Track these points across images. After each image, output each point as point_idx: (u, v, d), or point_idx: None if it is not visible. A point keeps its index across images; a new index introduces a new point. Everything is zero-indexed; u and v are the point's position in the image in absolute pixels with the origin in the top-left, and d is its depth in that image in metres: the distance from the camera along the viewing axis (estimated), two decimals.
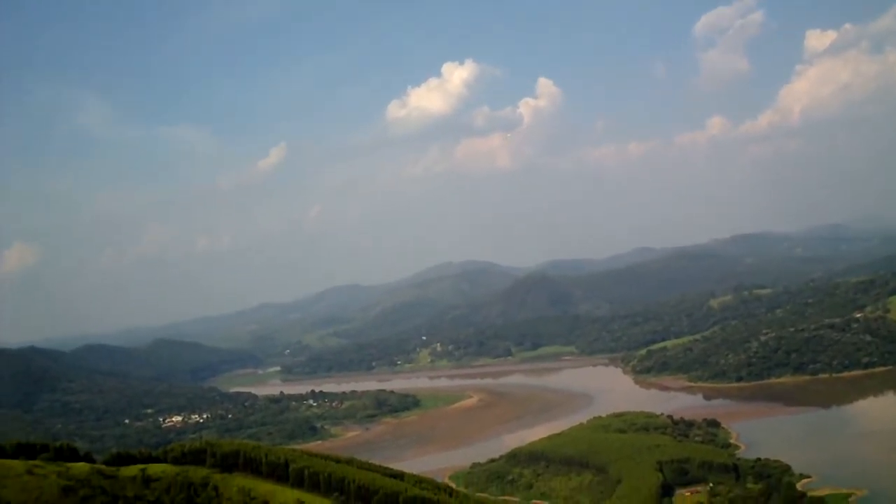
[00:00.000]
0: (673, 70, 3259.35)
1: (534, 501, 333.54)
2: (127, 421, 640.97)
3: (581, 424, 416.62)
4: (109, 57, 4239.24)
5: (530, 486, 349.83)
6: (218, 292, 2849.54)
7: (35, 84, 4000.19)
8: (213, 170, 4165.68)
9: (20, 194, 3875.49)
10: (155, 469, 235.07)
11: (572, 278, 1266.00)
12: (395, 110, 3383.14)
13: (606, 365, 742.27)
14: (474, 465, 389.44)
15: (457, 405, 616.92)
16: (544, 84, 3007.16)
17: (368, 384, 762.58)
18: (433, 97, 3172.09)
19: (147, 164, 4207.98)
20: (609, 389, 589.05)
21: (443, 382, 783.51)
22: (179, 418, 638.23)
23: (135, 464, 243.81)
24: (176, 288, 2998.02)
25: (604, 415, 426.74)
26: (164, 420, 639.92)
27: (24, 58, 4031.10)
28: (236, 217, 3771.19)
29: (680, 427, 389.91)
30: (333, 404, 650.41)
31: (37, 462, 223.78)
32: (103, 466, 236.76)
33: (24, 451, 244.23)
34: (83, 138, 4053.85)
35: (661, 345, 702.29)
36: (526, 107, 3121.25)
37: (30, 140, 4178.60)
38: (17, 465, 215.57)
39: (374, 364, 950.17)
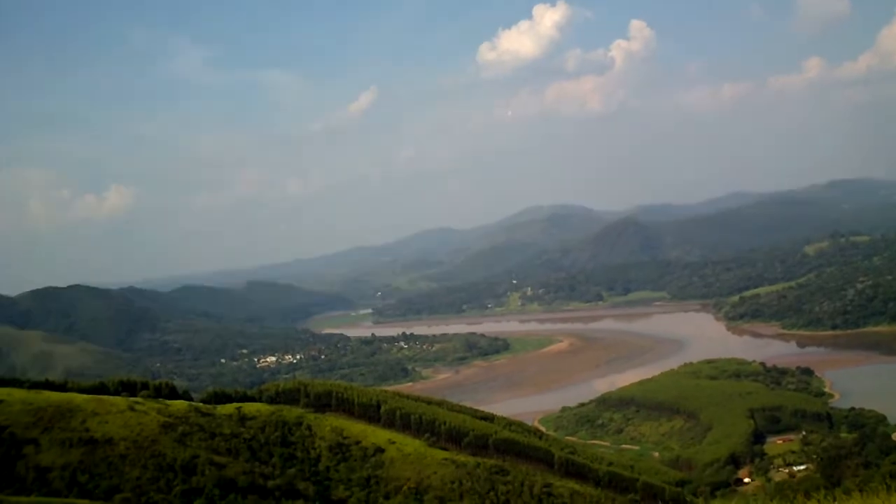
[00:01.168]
0: (769, 11, 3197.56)
1: (623, 446, 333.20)
2: (223, 361, 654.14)
3: (672, 370, 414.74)
4: (204, 2, 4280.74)
5: (620, 431, 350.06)
6: (310, 235, 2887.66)
7: (132, 30, 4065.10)
8: (304, 113, 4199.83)
9: (118, 138, 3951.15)
10: (250, 408, 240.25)
11: (664, 223, 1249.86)
12: (485, 53, 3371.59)
13: (698, 311, 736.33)
14: (564, 409, 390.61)
15: (547, 349, 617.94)
16: (637, 26, 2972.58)
17: (458, 327, 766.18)
18: (524, 39, 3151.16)
19: (240, 108, 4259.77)
20: (700, 336, 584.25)
21: (533, 326, 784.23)
22: (273, 359, 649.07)
23: (231, 402, 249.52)
24: (269, 230, 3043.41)
25: (695, 361, 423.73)
26: (258, 360, 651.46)
27: (121, 5, 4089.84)
28: (328, 160, 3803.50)
29: (772, 374, 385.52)
30: (424, 346, 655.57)
31: (137, 399, 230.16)
32: (201, 404, 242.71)
33: (126, 388, 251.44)
34: (179, 83, 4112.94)
35: (754, 291, 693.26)
36: (618, 49, 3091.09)
37: (127, 85, 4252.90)
38: (119, 401, 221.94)
39: (464, 307, 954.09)
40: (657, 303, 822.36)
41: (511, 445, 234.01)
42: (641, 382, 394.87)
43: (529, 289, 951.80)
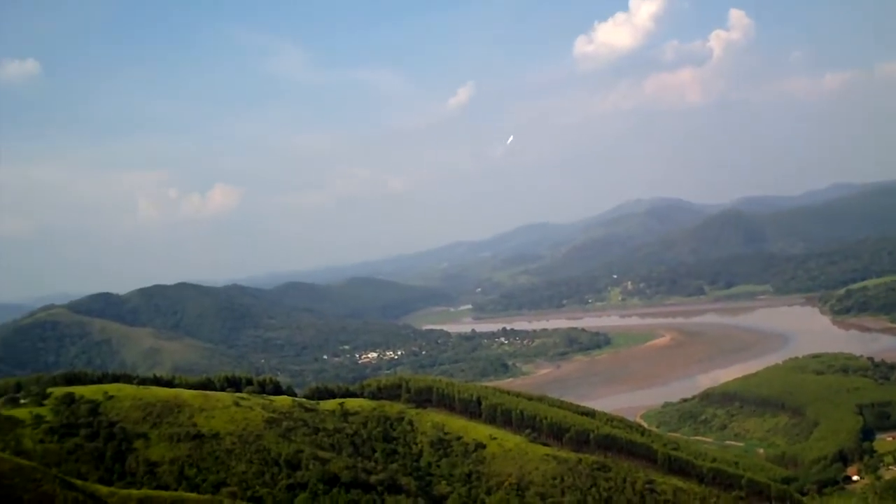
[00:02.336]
0: None
1: (727, 442, 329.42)
2: (325, 356, 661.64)
3: (776, 365, 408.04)
4: (305, 4, 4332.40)
5: (724, 427, 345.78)
6: (410, 231, 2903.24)
7: (234, 31, 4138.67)
8: (404, 110, 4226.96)
9: (222, 138, 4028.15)
10: (352, 403, 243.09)
11: (766, 215, 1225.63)
12: (582, 46, 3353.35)
13: (802, 304, 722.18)
14: (666, 405, 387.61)
15: (648, 344, 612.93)
16: (736, 15, 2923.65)
17: (559, 322, 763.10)
18: (621, 32, 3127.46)
19: (341, 106, 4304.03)
20: (805, 330, 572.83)
21: (634, 321, 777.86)
22: (375, 354, 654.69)
23: (333, 398, 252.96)
24: (370, 227, 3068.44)
25: (800, 356, 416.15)
26: (360, 356, 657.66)
27: (227, 9, 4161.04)
28: (427, 156, 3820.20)
29: (881, 369, 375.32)
30: (524, 342, 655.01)
31: (242, 395, 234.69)
32: (304, 400, 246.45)
33: (231, 384, 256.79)
34: (281, 83, 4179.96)
35: (861, 284, 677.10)
36: (717, 39, 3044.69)
37: (231, 86, 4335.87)
38: (225, 397, 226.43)
39: (564, 302, 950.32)
40: (760, 297, 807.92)
41: (613, 441, 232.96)
42: (745, 377, 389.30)
43: (630, 283, 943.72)
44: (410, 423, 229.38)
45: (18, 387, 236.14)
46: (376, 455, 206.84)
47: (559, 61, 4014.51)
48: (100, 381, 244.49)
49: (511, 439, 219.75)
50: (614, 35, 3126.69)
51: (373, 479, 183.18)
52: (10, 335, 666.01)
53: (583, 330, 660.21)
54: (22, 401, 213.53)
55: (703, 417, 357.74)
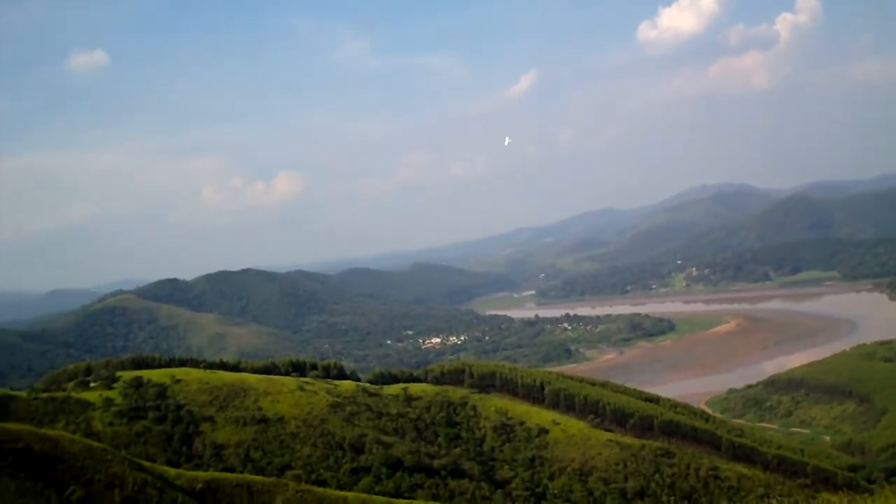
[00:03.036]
0: None
1: (793, 429, 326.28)
2: (388, 342, 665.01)
3: (843, 352, 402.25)
4: None
5: (789, 414, 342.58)
6: (473, 217, 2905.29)
7: (296, 19, 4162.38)
8: (465, 97, 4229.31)
9: (286, 126, 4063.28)
10: (416, 388, 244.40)
11: (834, 200, 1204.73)
12: (645, 31, 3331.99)
13: (870, 291, 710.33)
14: (731, 391, 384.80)
15: (713, 330, 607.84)
16: None
17: (622, 308, 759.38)
18: (685, 16, 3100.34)
19: (404, 93, 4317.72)
20: (873, 316, 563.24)
21: (698, 307, 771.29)
22: (438, 340, 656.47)
23: (397, 383, 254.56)
24: (433, 213, 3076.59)
25: (868, 342, 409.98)
26: (423, 341, 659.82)
27: None
28: (490, 143, 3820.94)
29: None
30: (588, 327, 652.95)
31: (307, 379, 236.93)
32: (368, 385, 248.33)
33: (296, 368, 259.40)
34: (343, 71, 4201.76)
35: None
36: (783, 23, 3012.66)
37: (292, 73, 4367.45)
38: (290, 381, 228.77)
39: (628, 288, 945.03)
40: (827, 283, 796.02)
41: (676, 427, 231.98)
42: (811, 364, 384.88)
43: (694, 269, 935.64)
44: (473, 407, 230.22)
45: (89, 371, 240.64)
46: (439, 440, 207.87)
47: (623, 47, 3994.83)
48: (167, 365, 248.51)
49: (574, 425, 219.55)
50: (679, 19, 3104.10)
51: (436, 463, 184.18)
52: (80, 320, 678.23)
53: (646, 316, 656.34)
54: (92, 384, 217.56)
55: (768, 404, 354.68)
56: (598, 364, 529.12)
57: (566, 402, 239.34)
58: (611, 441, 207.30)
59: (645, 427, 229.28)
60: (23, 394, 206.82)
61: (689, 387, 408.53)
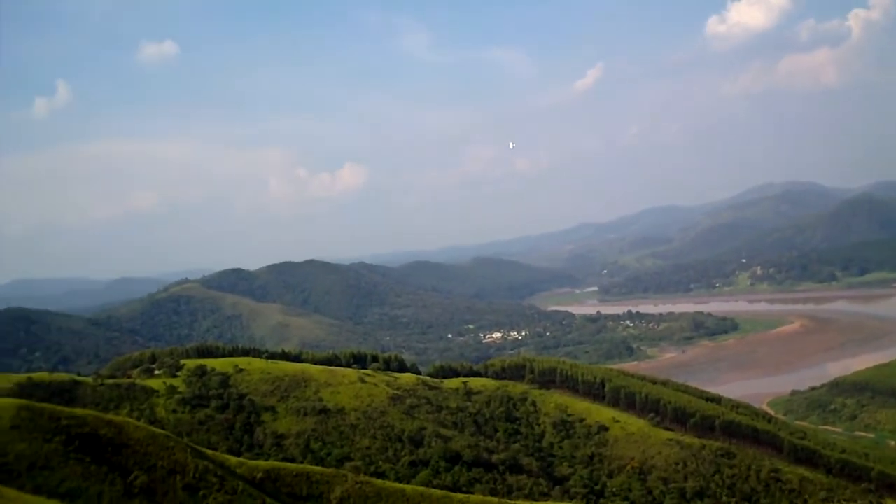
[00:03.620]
0: None
1: (857, 433, 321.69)
2: (450, 335, 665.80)
3: None
4: None
5: (854, 417, 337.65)
6: (536, 212, 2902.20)
7: (364, 12, 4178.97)
8: (530, 91, 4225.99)
9: (351, 118, 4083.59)
10: (476, 383, 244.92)
11: None
12: (714, 26, 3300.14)
13: None
14: (794, 393, 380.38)
15: (777, 330, 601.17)
16: None
17: (685, 306, 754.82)
18: (755, 11, 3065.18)
19: (468, 86, 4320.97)
20: None
21: (762, 306, 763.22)
22: (499, 335, 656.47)
23: (457, 377, 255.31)
24: (496, 207, 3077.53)
25: None
26: (484, 336, 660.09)
27: None
28: (554, 137, 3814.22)
29: None
30: (650, 325, 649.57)
31: (368, 371, 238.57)
32: (428, 378, 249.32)
33: (357, 360, 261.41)
34: (407, 63, 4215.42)
35: None
36: (856, 19, 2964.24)
37: (360, 66, 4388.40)
38: (351, 373, 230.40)
39: (691, 286, 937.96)
40: (895, 284, 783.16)
41: (738, 428, 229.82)
42: (878, 367, 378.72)
43: (759, 268, 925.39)
44: (533, 403, 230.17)
45: (153, 358, 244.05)
46: (498, 434, 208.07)
47: (690, 43, 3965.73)
48: (230, 354, 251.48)
49: (634, 423, 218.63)
50: (748, 15, 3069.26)
51: (494, 458, 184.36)
52: (146, 308, 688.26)
53: (709, 314, 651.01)
54: (156, 372, 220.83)
55: (832, 407, 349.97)
56: (660, 362, 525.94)
57: (627, 399, 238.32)
58: (671, 440, 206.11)
59: (706, 427, 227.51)
60: (89, 380, 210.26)
61: (752, 387, 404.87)
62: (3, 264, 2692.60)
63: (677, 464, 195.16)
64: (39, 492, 66.99)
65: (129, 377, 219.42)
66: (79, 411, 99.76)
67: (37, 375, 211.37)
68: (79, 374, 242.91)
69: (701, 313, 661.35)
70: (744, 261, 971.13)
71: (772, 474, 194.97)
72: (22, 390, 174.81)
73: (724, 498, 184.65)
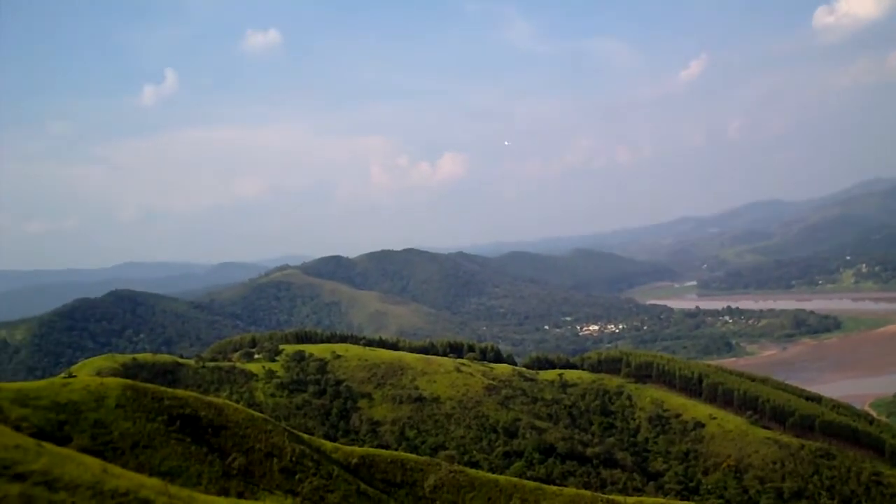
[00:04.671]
0: None
1: None
2: (546, 327, 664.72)
3: None
4: None
5: None
6: (637, 204, 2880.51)
7: (466, 3, 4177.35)
8: (633, 82, 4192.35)
9: (451, 107, 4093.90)
10: (571, 375, 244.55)
11: None
12: (822, 17, 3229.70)
13: None
14: None
15: (882, 329, 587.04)
16: None
17: (786, 303, 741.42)
18: (865, 1, 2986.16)
19: (569, 76, 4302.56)
20: None
21: (867, 305, 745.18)
22: (596, 327, 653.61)
23: (553, 369, 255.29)
24: (597, 199, 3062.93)
25: None
26: (581, 328, 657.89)
27: None
28: (656, 129, 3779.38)
29: None
30: (749, 321, 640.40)
31: (464, 361, 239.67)
32: (524, 369, 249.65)
33: (453, 349, 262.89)
34: (511, 51, 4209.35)
35: None
36: None
37: (460, 55, 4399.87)
38: (447, 362, 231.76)
39: (793, 283, 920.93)
40: None
41: (838, 429, 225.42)
42: None
43: (864, 266, 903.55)
44: (629, 397, 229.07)
45: (253, 342, 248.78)
46: (593, 428, 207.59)
47: (796, 33, 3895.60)
48: (328, 340, 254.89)
49: (731, 420, 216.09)
50: (858, 5, 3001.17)
51: (589, 451, 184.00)
52: (247, 293, 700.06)
53: (811, 312, 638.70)
54: (256, 356, 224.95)
55: None
56: (759, 359, 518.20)
57: (724, 396, 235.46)
58: (769, 439, 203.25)
59: (805, 426, 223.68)
60: (191, 362, 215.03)
61: (854, 387, 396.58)
62: (111, 248, 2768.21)
63: (774, 463, 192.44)
64: (142, 470, 68.70)
65: (230, 360, 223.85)
66: (180, 392, 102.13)
67: (141, 356, 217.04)
68: (181, 356, 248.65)
69: (802, 310, 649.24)
70: (848, 258, 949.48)
71: (873, 477, 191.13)
72: (127, 370, 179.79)
73: (823, 500, 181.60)
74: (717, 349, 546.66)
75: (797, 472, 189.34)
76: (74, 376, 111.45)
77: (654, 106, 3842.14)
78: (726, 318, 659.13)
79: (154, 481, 56.97)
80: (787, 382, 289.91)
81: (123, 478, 52.83)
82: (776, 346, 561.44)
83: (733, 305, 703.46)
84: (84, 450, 63.28)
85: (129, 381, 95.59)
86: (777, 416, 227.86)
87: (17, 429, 62.06)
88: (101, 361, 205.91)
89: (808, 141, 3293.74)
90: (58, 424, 76.80)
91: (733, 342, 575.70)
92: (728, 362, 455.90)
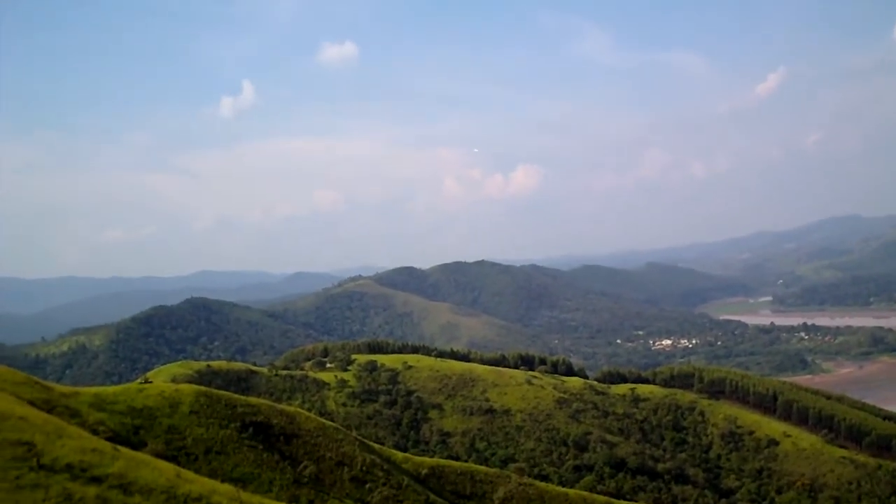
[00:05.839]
0: None
1: None
2: (619, 341, 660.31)
3: None
4: None
5: None
6: (711, 218, 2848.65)
7: (540, 13, 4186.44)
8: (708, 95, 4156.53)
9: (525, 119, 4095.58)
10: (643, 389, 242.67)
11: None
12: None
13: None
14: None
15: None
16: None
17: (864, 320, 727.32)
18: None
19: (645, 89, 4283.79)
20: None
21: None
22: (668, 342, 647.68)
23: (624, 383, 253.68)
24: (671, 213, 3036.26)
25: None
26: (653, 343, 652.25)
27: None
28: (732, 143, 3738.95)
29: None
30: (825, 338, 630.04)
31: (535, 373, 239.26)
32: (595, 383, 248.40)
33: (525, 362, 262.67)
34: (586, 64, 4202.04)
35: None
36: None
37: (533, 67, 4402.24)
38: (518, 374, 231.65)
39: (871, 299, 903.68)
40: None
41: None
42: None
43: None
44: (702, 413, 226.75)
45: (326, 352, 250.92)
46: (664, 443, 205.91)
47: (876, 45, 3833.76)
48: (400, 351, 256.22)
49: (806, 438, 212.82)
50: None
51: (660, 467, 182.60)
52: (320, 303, 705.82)
53: (890, 330, 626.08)
54: (328, 365, 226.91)
55: None
56: (835, 377, 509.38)
57: (799, 414, 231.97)
58: (844, 458, 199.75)
59: (882, 446, 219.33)
60: (264, 370, 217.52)
61: None
62: (188, 256, 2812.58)
63: (850, 483, 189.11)
64: (214, 475, 69.73)
65: (302, 369, 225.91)
66: (253, 400, 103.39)
67: (215, 364, 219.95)
68: (254, 364, 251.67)
69: (880, 328, 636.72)
70: None
71: None
72: (201, 377, 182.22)
73: None
74: (791, 366, 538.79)
75: (874, 493, 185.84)
76: (150, 382, 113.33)
77: (730, 119, 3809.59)
78: (802, 334, 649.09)
79: (226, 487, 57.84)
80: (863, 401, 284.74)
81: (196, 483, 53.73)
82: (853, 364, 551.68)
83: (809, 322, 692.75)
84: (158, 454, 64.46)
85: (203, 388, 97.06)
86: (853, 435, 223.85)
87: (95, 432, 63.40)
88: (176, 368, 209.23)
89: (887, 155, 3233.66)
90: (133, 429, 78.21)
91: (808, 359, 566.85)
92: (803, 379, 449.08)
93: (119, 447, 54.82)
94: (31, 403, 62.77)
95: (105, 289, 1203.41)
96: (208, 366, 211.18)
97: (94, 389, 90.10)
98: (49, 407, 67.04)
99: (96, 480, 45.43)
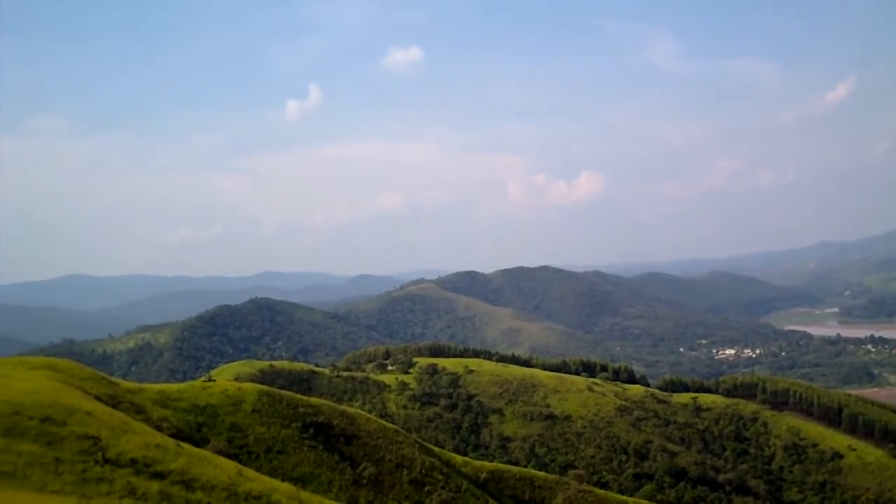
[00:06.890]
0: None
1: None
2: (681, 349, 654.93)
3: None
4: None
5: None
6: (777, 227, 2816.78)
7: (605, 20, 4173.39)
8: (777, 103, 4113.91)
9: (591, 126, 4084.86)
10: (706, 399, 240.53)
11: None
12: None
13: None
14: None
15: None
16: None
17: None
18: None
19: (712, 97, 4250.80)
20: None
21: None
22: (732, 351, 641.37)
23: (687, 392, 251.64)
24: (737, 221, 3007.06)
25: None
26: (716, 352, 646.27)
27: None
28: (800, 152, 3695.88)
29: None
30: (893, 351, 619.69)
31: (596, 380, 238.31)
32: (657, 391, 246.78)
33: (586, 368, 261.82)
34: (652, 71, 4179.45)
35: None
36: None
37: (601, 74, 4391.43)
38: (579, 381, 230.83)
39: None
40: None
41: None
42: None
43: None
44: (765, 424, 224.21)
45: (387, 354, 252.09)
46: (726, 453, 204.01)
47: None
48: (461, 355, 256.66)
49: (872, 452, 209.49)
50: None
51: (721, 477, 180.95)
52: (383, 305, 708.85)
53: None
54: (389, 367, 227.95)
55: None
56: None
57: (865, 427, 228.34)
58: None
59: None
60: (326, 371, 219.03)
61: None
62: (253, 257, 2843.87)
63: None
64: (275, 474, 70.36)
65: (364, 371, 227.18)
66: (315, 400, 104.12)
67: (278, 364, 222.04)
68: (317, 365, 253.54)
69: None
70: None
71: None
72: (264, 377, 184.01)
73: None
74: (857, 378, 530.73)
75: None
76: (213, 380, 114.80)
77: (798, 128, 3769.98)
78: (869, 346, 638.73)
79: (286, 486, 58.35)
80: None
81: (257, 481, 54.26)
82: None
83: (876, 334, 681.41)
84: (220, 452, 65.16)
85: (265, 388, 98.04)
86: None
87: (158, 429, 64.34)
88: (240, 367, 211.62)
89: None
90: (196, 426, 79.20)
91: (875, 372, 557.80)
92: (869, 392, 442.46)
93: (182, 444, 55.53)
94: (98, 399, 63.77)
95: (171, 287, 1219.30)
96: (271, 365, 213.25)
97: (158, 386, 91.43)
98: (115, 402, 68.08)
99: (159, 476, 46.08)
